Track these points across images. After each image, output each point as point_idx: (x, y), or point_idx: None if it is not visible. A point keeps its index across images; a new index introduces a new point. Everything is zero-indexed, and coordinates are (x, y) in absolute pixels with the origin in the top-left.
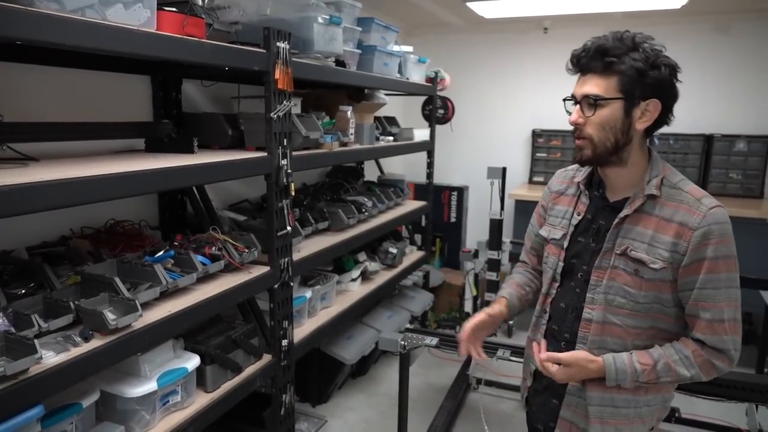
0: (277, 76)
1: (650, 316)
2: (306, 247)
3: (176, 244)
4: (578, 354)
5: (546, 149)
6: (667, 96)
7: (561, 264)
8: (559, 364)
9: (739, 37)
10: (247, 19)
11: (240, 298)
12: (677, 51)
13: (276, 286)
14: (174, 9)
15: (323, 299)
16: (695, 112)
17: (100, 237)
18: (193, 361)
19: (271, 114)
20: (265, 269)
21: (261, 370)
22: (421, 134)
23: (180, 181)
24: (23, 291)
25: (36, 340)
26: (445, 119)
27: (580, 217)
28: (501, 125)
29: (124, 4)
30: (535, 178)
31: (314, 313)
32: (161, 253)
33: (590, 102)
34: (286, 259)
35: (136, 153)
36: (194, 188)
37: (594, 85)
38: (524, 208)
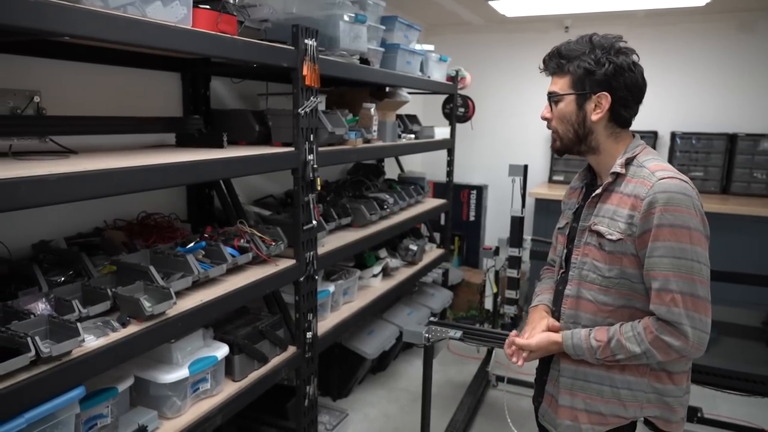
0: (305, 72)
1: (621, 294)
2: (329, 242)
3: (206, 236)
4: (541, 339)
5: None
6: (616, 89)
7: (565, 251)
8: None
9: (764, 35)
10: (276, 18)
11: (267, 290)
12: (700, 49)
13: (301, 279)
14: (208, 6)
15: (345, 294)
16: (718, 110)
17: (132, 229)
18: (222, 350)
19: (299, 110)
20: (291, 262)
21: (286, 361)
22: (442, 132)
23: (212, 174)
24: (63, 278)
25: (78, 324)
26: (465, 118)
27: (578, 205)
28: (521, 124)
29: (162, 1)
30: (555, 177)
31: (337, 307)
32: (192, 244)
33: (551, 99)
34: (312, 253)
35: (168, 147)
36: (222, 182)
37: (554, 84)
38: (544, 207)
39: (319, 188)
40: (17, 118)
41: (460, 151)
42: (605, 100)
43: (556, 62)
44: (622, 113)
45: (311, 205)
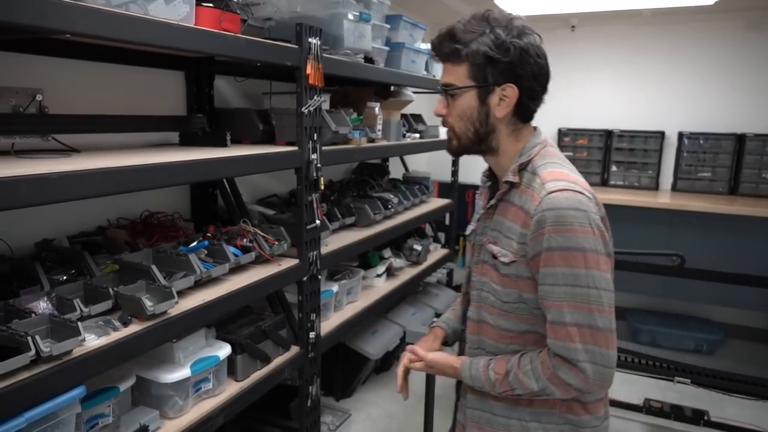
0: (308, 71)
1: (522, 319)
2: (333, 242)
3: (209, 235)
4: (439, 357)
5: (572, 148)
6: (523, 78)
7: (474, 259)
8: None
9: None
10: (279, 16)
11: (270, 290)
12: (708, 48)
13: (305, 278)
14: (211, 4)
15: (349, 294)
16: (726, 110)
17: (135, 227)
18: (224, 350)
19: (303, 109)
20: (295, 262)
21: (289, 362)
22: None
23: (215, 173)
24: (65, 277)
25: (79, 323)
26: None
27: (483, 211)
28: None
29: None
30: None
31: (340, 307)
32: (195, 243)
33: (447, 92)
34: (315, 253)
35: (172, 146)
36: (225, 181)
37: (448, 74)
38: None
39: (322, 188)
40: (19, 116)
41: None
42: (512, 92)
43: (449, 47)
44: (529, 106)
45: (314, 205)
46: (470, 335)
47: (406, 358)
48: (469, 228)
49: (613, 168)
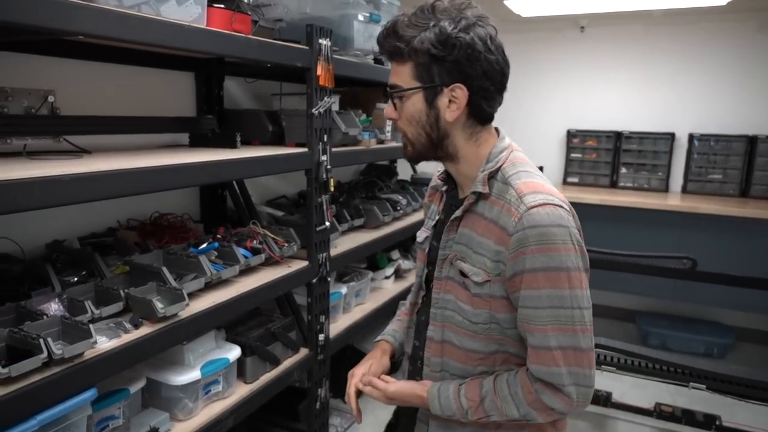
0: (319, 72)
1: (492, 339)
2: (342, 244)
3: (219, 236)
4: (402, 388)
5: (581, 150)
6: (473, 77)
7: (425, 270)
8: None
9: None
10: (290, 17)
11: (280, 292)
12: (719, 49)
13: (314, 280)
14: (222, 6)
15: (358, 296)
16: (738, 112)
17: (145, 229)
18: (234, 352)
19: (313, 110)
20: (304, 264)
21: (298, 364)
22: None
23: (225, 174)
24: (76, 279)
25: (90, 325)
26: None
27: (438, 218)
28: (535, 125)
29: (176, 0)
30: (570, 179)
31: (349, 309)
32: (205, 245)
33: (393, 94)
34: (324, 254)
35: (182, 147)
36: (235, 183)
37: (394, 74)
38: None
39: (332, 189)
40: (32, 117)
41: None
42: (461, 92)
43: (391, 45)
44: (483, 107)
45: (324, 207)
46: (432, 357)
47: (356, 378)
48: (421, 235)
49: (623, 170)
